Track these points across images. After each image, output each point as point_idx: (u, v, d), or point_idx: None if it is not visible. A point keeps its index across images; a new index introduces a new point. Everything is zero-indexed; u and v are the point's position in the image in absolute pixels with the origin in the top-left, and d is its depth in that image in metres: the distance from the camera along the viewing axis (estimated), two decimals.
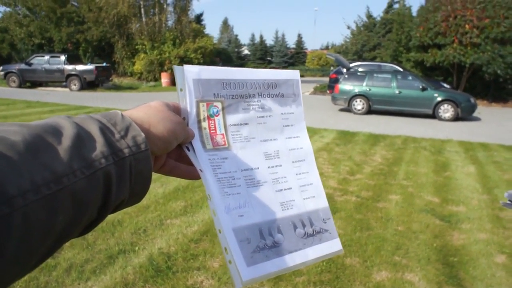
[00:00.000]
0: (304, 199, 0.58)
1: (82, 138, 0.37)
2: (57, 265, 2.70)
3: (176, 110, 0.52)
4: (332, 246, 0.58)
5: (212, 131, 0.54)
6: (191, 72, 0.53)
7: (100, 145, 0.38)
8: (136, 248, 3.00)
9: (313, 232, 0.57)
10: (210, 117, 0.54)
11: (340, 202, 4.15)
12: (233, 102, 0.56)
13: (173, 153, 0.53)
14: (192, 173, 0.53)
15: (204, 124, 0.54)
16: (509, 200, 0.78)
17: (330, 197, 4.15)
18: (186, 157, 0.53)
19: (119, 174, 0.39)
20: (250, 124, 0.57)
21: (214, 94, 0.54)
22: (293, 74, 0.64)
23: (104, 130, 0.40)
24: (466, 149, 7.31)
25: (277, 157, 0.58)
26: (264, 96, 0.59)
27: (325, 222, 0.59)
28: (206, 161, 0.52)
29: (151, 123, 0.45)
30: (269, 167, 0.57)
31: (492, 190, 4.75)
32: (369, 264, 2.90)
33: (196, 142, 0.53)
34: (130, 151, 0.40)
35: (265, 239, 0.52)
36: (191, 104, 0.53)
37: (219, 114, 0.55)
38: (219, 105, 0.55)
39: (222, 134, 0.55)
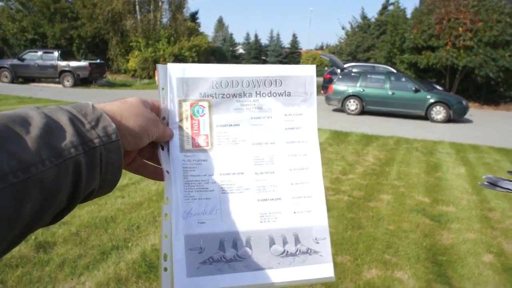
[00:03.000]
0: (294, 212, 0.51)
1: (51, 128, 0.37)
2: (50, 260, 2.70)
3: (155, 108, 0.51)
4: (320, 271, 0.50)
5: (194, 132, 0.51)
6: (175, 71, 0.51)
7: (69, 135, 0.38)
8: (129, 244, 3.01)
9: (295, 252, 0.50)
10: (193, 116, 0.51)
11: (332, 201, 4.19)
12: (222, 102, 0.52)
13: (147, 151, 0.52)
14: (158, 174, 0.52)
15: (186, 124, 0.51)
16: (487, 182, 0.82)
17: None
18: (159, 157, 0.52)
19: (89, 164, 0.39)
20: (241, 125, 0.52)
21: (201, 93, 0.51)
22: (307, 69, 0.56)
23: (74, 120, 0.39)
24: (457, 151, 7.40)
25: (271, 162, 0.52)
26: (264, 95, 0.53)
27: (317, 243, 0.51)
28: (179, 162, 0.50)
29: (123, 116, 0.45)
30: (256, 173, 0.51)
31: (482, 191, 4.82)
32: (359, 262, 2.94)
33: (173, 142, 0.50)
34: (100, 141, 0.40)
35: (225, 251, 0.48)
36: (172, 103, 0.51)
37: (204, 114, 0.51)
38: (206, 104, 0.51)
39: (206, 135, 0.51)
